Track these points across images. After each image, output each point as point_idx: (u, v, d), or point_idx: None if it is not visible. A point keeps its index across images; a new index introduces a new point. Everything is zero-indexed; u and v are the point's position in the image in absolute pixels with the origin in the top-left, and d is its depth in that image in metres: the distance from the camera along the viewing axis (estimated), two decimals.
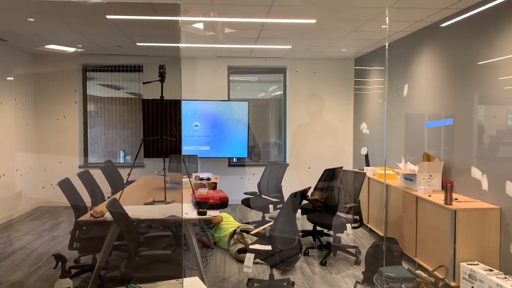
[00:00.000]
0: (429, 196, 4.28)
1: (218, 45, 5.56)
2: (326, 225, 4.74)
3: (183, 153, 6.70)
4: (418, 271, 3.88)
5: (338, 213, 4.90)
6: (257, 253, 3.62)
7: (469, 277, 3.60)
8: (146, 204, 4.23)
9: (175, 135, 3.74)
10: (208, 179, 5.23)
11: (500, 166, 3.76)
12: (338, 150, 7.65)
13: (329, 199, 4.98)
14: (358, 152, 7.26)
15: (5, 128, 6.26)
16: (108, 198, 4.87)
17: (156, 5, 4.09)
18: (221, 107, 7.22)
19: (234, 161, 7.77)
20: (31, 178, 6.97)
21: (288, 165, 6.08)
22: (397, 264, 3.98)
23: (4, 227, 5.88)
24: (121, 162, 7.80)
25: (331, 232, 4.96)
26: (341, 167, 5.32)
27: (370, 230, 5.73)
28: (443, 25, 4.69)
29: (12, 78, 6.42)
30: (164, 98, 3.89)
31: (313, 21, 4.81)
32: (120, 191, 4.19)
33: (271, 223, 3.91)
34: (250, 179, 7.55)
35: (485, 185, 3.95)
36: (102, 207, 4.00)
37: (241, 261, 4.59)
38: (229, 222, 5.26)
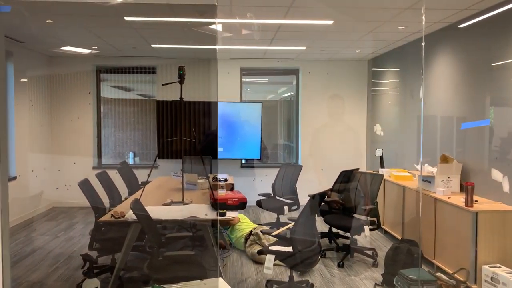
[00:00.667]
0: (448, 198, 4.25)
1: (234, 47, 5.58)
2: (343, 227, 4.72)
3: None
4: (438, 274, 3.85)
5: (354, 215, 4.88)
6: (278, 254, 3.61)
7: (492, 280, 3.57)
8: (164, 204, 4.25)
9: (194, 136, 3.75)
10: (226, 180, 5.23)
11: None
12: (351, 151, 7.62)
13: (347, 201, 4.96)
14: (372, 154, 7.23)
15: (20, 129, 6.31)
16: (125, 199, 4.89)
17: (177, 6, 4.10)
18: (234, 108, 7.22)
19: (243, 162, 7.76)
20: (45, 179, 7.01)
21: (302, 166, 6.06)
22: (417, 267, 3.95)
23: (21, 227, 5.92)
24: (130, 163, 7.83)
25: (347, 234, 4.94)
26: (357, 169, 5.30)
27: (385, 232, 5.69)
28: (461, 26, 4.66)
29: (26, 80, 6.47)
30: (183, 100, 3.90)
31: (331, 22, 4.80)
32: (140, 192, 4.20)
33: (290, 224, 3.90)
34: (262, 181, 7.55)
35: (506, 187, 3.91)
36: (121, 207, 4.02)
37: (258, 263, 4.59)
38: (244, 223, 5.25)
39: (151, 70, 7.44)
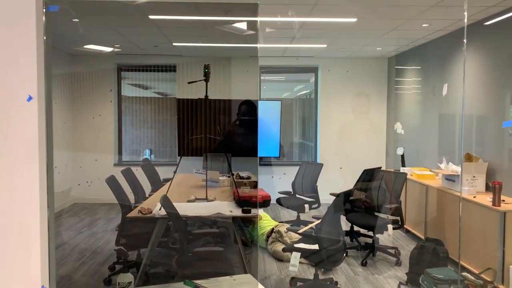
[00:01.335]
0: (474, 197, 4.21)
1: (258, 45, 5.59)
2: (367, 225, 4.70)
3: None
4: (464, 273, 3.82)
5: (377, 214, 4.87)
6: (304, 252, 3.62)
7: None
8: (188, 201, 4.29)
9: (219, 134, 3.78)
10: (249, 177, 5.26)
11: None
12: (371, 150, 7.57)
13: (370, 199, 4.94)
14: (392, 152, 7.18)
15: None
16: (149, 195, 4.95)
17: (202, 5, 4.13)
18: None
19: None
20: (67, 176, 7.12)
21: (323, 165, 6.05)
22: (442, 266, 3.93)
23: None
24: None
25: (369, 233, 4.92)
26: (380, 167, 5.27)
27: (407, 231, 5.66)
28: (487, 23, 4.60)
29: None
30: (209, 98, 3.93)
31: (354, 20, 4.78)
32: (167, 189, 4.25)
33: (315, 223, 3.91)
34: (280, 179, 7.55)
35: None
36: (147, 203, 4.07)
37: (280, 260, 4.61)
38: (266, 220, 5.27)
39: (171, 68, 7.50)
